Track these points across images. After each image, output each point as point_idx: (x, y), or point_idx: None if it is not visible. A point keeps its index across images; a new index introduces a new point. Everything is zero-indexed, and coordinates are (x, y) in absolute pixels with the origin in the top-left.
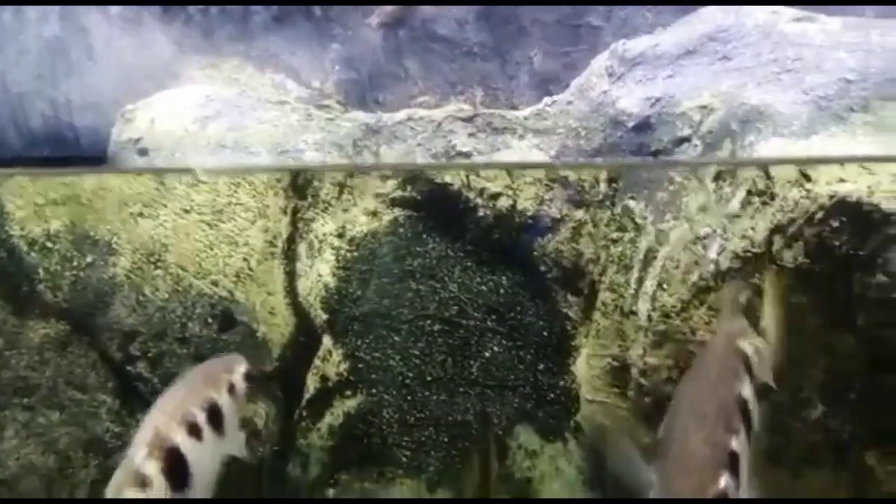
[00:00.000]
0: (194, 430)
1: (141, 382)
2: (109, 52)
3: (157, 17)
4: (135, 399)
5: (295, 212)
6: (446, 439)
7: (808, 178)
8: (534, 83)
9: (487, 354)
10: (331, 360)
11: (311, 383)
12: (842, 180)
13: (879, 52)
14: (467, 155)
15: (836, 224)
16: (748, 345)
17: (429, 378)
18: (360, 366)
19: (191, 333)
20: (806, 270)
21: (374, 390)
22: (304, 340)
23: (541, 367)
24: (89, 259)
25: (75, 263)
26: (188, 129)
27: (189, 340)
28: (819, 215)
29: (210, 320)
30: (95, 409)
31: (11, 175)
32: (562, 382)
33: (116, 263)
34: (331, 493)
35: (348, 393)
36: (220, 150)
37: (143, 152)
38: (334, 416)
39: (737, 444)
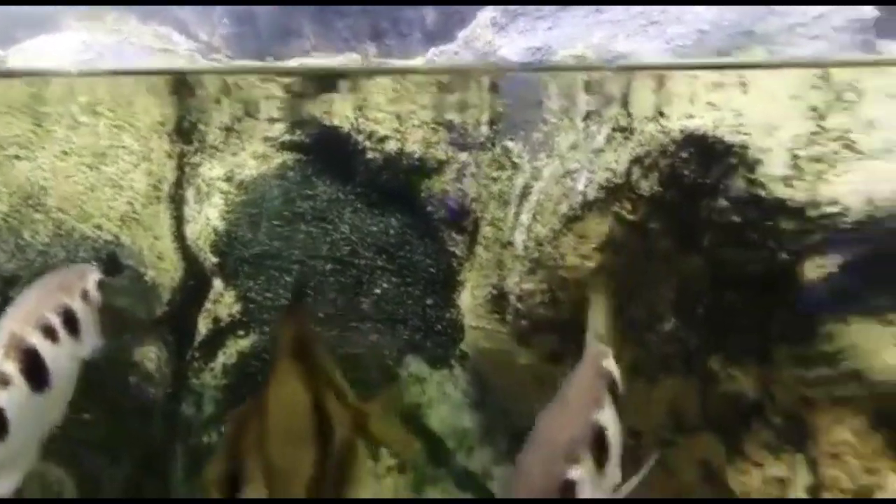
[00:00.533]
0: (50, 333)
1: None
2: None
3: None
4: None
5: (181, 156)
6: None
7: (662, 115)
8: (425, 40)
9: (378, 291)
10: (222, 301)
11: (203, 325)
12: (691, 116)
13: (733, 8)
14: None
15: (685, 155)
16: (614, 365)
17: (321, 315)
18: (252, 306)
19: None
20: (659, 198)
21: (266, 329)
22: (194, 284)
23: (429, 301)
24: None
25: None
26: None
27: None
28: (671, 148)
29: (94, 264)
30: None
31: None
32: (448, 315)
33: None
34: (223, 430)
35: (241, 333)
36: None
37: None
38: (227, 355)
39: (575, 473)
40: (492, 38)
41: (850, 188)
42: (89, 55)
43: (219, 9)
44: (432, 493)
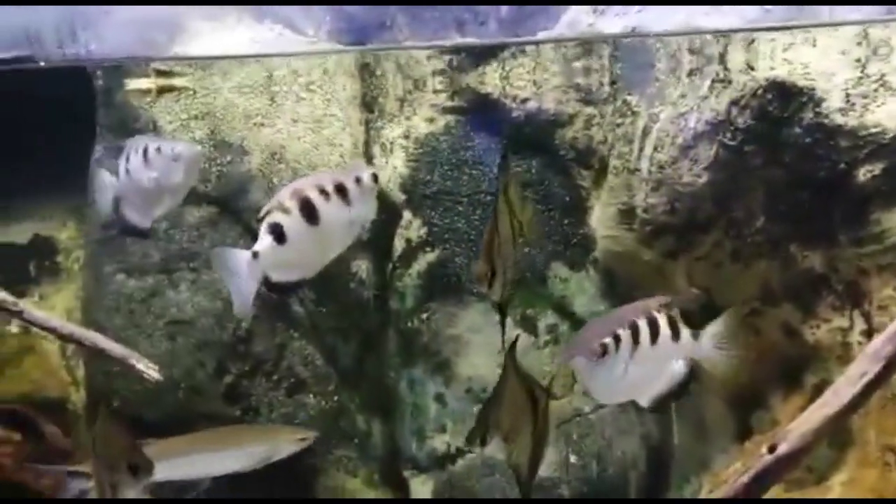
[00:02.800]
0: (323, 192)
1: None
2: None
3: None
4: None
5: (367, 122)
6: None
7: (752, 68)
8: (500, 29)
9: (528, 216)
10: (411, 227)
11: (399, 244)
12: (772, 68)
13: None
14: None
15: (769, 97)
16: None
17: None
18: (435, 230)
19: None
20: (751, 129)
21: (445, 247)
22: (385, 216)
23: (565, 221)
24: (228, 158)
25: (218, 162)
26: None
27: None
28: (759, 92)
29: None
30: None
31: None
32: (581, 230)
33: (250, 161)
34: (424, 316)
35: (427, 249)
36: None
37: None
38: (419, 265)
39: (609, 341)
40: (593, 20)
41: (887, 115)
42: (257, 47)
43: (321, 7)
44: None
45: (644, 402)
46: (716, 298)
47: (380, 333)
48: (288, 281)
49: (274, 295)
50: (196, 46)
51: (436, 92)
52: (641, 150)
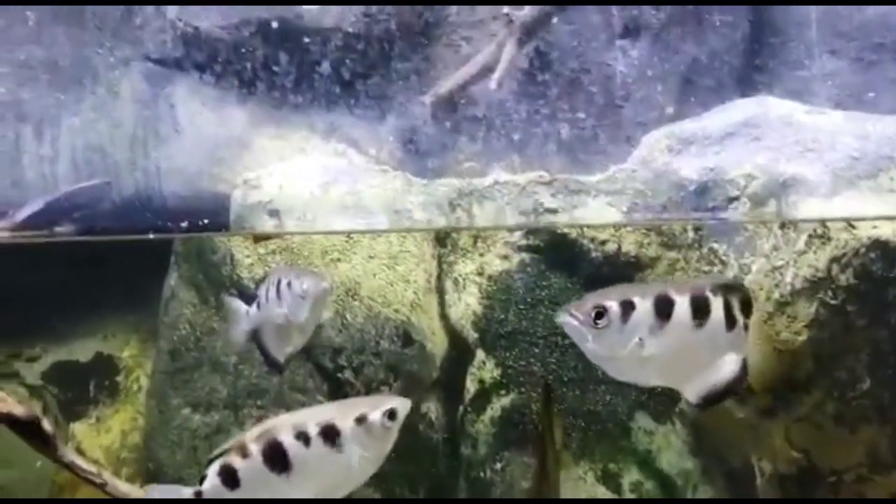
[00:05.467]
0: (302, 437)
1: (348, 386)
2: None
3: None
4: (343, 399)
5: (440, 257)
6: (582, 424)
7: (853, 227)
8: (562, 151)
9: None
10: (485, 367)
11: (471, 385)
12: (875, 227)
13: (874, 137)
14: (553, 211)
15: (873, 256)
16: None
17: (565, 379)
18: (510, 372)
19: (382, 348)
20: (854, 287)
21: (521, 390)
22: (456, 354)
23: None
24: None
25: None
26: (314, 193)
27: (381, 353)
28: (862, 250)
29: (395, 339)
30: None
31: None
32: None
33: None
34: (497, 466)
35: (503, 392)
36: (344, 211)
37: (274, 213)
38: (493, 409)
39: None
40: (669, 159)
41: None
42: (329, 177)
43: (385, 127)
44: None
45: (689, 395)
46: (817, 462)
47: (448, 482)
48: None
49: None
50: (266, 167)
51: (510, 230)
52: None
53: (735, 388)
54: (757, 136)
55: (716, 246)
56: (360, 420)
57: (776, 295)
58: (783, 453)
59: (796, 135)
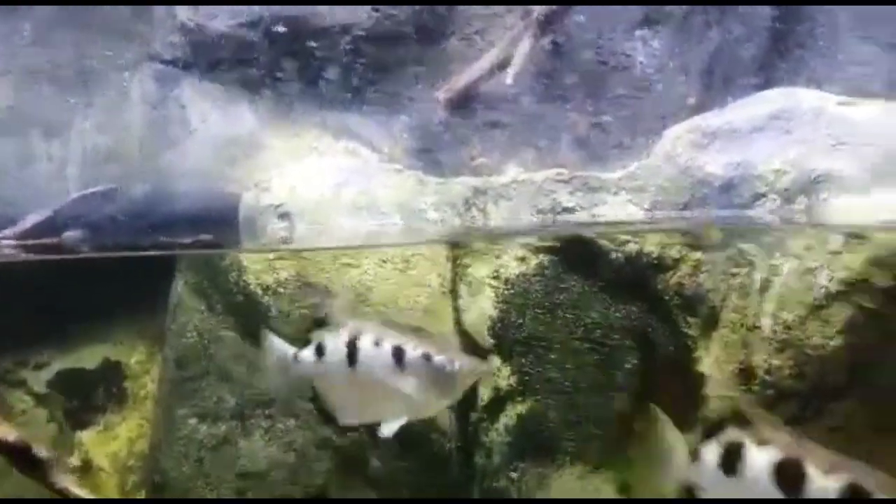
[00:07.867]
0: (378, 344)
1: None
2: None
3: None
4: None
5: (454, 259)
6: (601, 432)
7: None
8: (574, 146)
9: (627, 366)
10: (500, 374)
11: (485, 393)
12: None
13: None
14: (571, 210)
15: None
16: None
17: (582, 385)
18: (526, 379)
19: None
20: (893, 291)
21: (538, 397)
22: None
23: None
24: (312, 300)
25: (300, 303)
26: (325, 195)
27: None
28: None
29: None
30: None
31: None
32: (686, 384)
33: (331, 304)
34: (513, 476)
35: (519, 399)
36: (357, 212)
37: (285, 216)
38: (508, 417)
39: None
40: (694, 154)
41: None
42: (342, 177)
43: (398, 124)
44: None
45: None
46: None
47: (462, 493)
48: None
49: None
50: (277, 166)
51: (527, 232)
52: (761, 304)
53: None
54: (787, 129)
55: (744, 246)
56: (427, 357)
57: (809, 298)
58: None
59: (828, 128)
